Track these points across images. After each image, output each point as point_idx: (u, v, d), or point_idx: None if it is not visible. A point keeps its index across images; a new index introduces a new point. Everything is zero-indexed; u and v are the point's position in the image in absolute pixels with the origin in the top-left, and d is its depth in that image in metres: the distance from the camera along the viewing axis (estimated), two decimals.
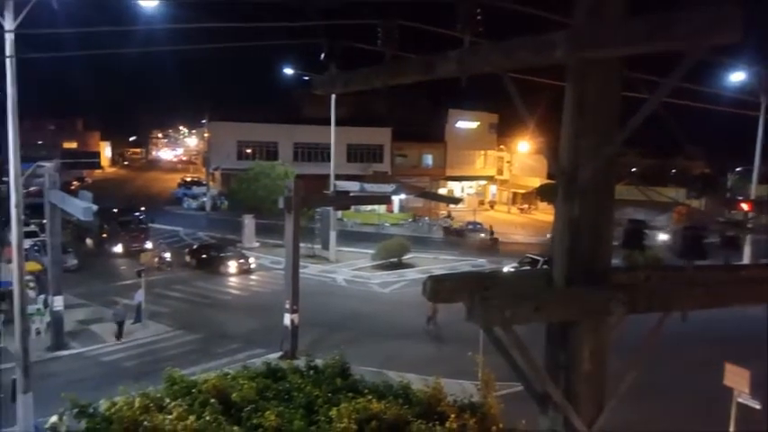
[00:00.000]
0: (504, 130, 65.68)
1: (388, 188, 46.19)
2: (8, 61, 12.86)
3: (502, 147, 68.58)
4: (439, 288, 4.74)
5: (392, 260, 36.05)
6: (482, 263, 37.11)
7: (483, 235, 45.07)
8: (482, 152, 67.54)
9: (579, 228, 4.88)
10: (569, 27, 4.68)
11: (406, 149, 62.88)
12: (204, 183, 62.93)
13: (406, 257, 36.81)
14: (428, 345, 22.51)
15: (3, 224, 38.37)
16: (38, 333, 22.14)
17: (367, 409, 10.74)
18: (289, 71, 45.23)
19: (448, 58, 5.42)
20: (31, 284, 24.33)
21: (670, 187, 53.63)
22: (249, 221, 41.19)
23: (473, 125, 65.41)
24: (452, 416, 10.52)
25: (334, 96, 35.81)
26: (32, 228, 32.58)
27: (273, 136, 58.79)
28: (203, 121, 66.24)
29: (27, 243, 23.80)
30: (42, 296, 24.05)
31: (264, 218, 41.90)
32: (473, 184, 67.71)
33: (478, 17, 5.61)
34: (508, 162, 68.89)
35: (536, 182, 61.39)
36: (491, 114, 65.48)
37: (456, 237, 46.73)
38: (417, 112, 62.22)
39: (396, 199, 50.67)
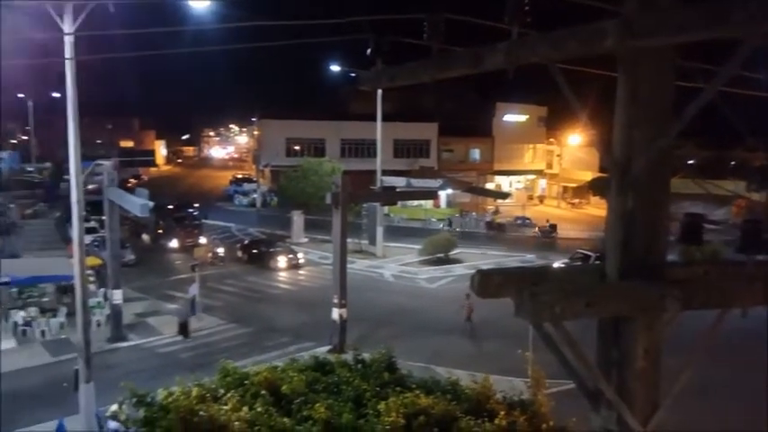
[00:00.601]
0: (553, 123, 64.36)
1: (434, 183, 45.94)
2: (68, 63, 13.40)
3: (551, 140, 67.24)
4: (487, 283, 4.69)
5: (439, 255, 35.93)
6: (531, 258, 36.56)
7: (536, 229, 44.01)
8: (531, 146, 66.41)
9: (633, 222, 4.75)
10: (620, 16, 4.55)
11: (453, 144, 62.44)
12: (254, 180, 64.21)
13: (453, 253, 36.61)
14: (476, 341, 22.35)
15: (65, 221, 40.20)
16: (98, 325, 23.08)
17: (415, 404, 10.76)
18: (336, 68, 45.56)
19: (495, 50, 5.35)
20: (92, 279, 25.38)
21: (729, 180, 51.41)
22: (298, 217, 41.80)
23: (521, 118, 64.39)
24: (502, 413, 10.42)
25: (380, 92, 35.85)
26: (92, 224, 33.97)
27: (321, 132, 59.36)
28: (253, 120, 67.51)
29: (87, 239, 24.82)
30: (102, 290, 25.09)
31: (313, 214, 42.43)
32: (521, 178, 66.70)
33: (526, 7, 5.52)
34: (558, 155, 67.50)
35: (588, 175, 59.96)
36: (540, 107, 64.28)
37: (498, 231, 46.12)
38: (464, 107, 61.72)
39: (442, 194, 50.43)
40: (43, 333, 22.34)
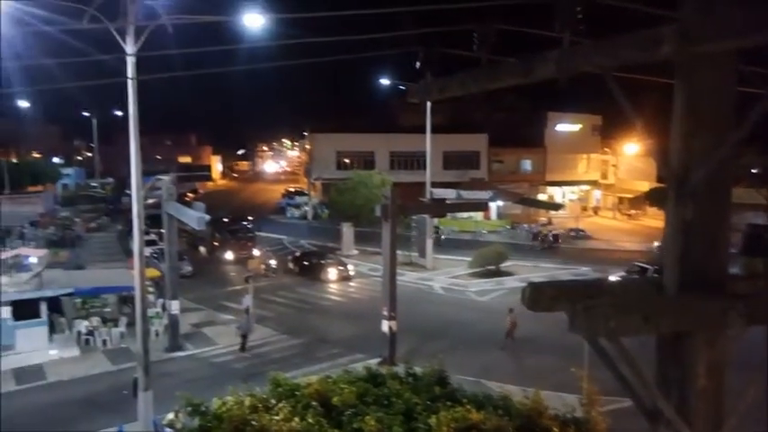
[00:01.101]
0: (608, 132, 62.78)
1: (484, 195, 45.54)
2: (130, 83, 13.99)
3: (606, 149, 65.59)
4: (539, 296, 4.60)
5: (489, 268, 35.48)
6: (586, 271, 35.62)
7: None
8: (585, 156, 64.97)
9: (692, 233, 4.57)
10: (676, 21, 4.42)
11: (504, 155, 61.76)
12: (306, 193, 65.21)
13: (505, 265, 36.08)
14: (528, 355, 21.88)
15: (126, 234, 41.80)
16: (156, 335, 23.80)
17: (466, 419, 10.62)
18: (385, 81, 45.88)
19: (546, 59, 5.29)
20: (151, 290, 26.24)
21: None
22: (348, 230, 42.14)
23: (574, 128, 63.14)
24: (555, 430, 10.17)
25: (429, 104, 35.88)
26: (152, 237, 35.18)
27: (370, 145, 59.83)
28: (305, 134, 68.74)
29: (147, 251, 25.70)
30: (161, 300, 25.90)
31: (362, 226, 42.70)
32: (575, 189, 65.28)
33: (578, 15, 5.43)
34: (613, 165, 65.74)
35: (644, 186, 58.05)
36: (594, 116, 62.88)
37: (544, 243, 45.13)
38: (515, 117, 61.08)
39: (493, 206, 49.88)
40: (105, 342, 23.20)
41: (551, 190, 62.94)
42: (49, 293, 22.74)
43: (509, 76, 5.95)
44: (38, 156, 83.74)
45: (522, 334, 23.28)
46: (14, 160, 70.94)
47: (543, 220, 54.21)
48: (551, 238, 45.02)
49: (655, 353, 4.85)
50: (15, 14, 11.83)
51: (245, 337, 22.81)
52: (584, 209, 62.98)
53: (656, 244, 40.01)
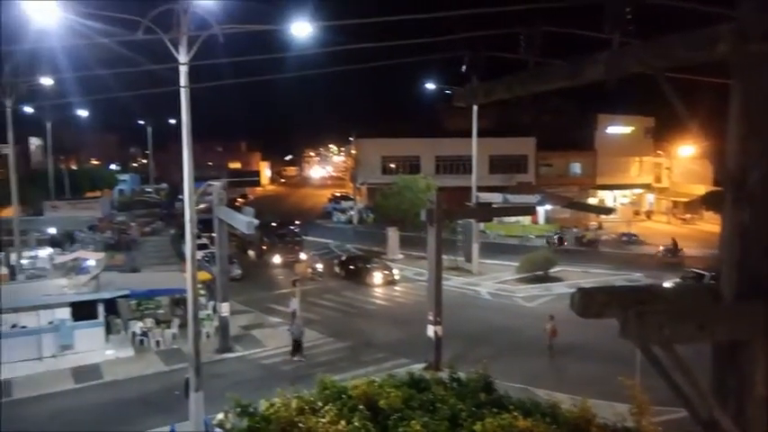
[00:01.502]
0: (661, 134, 60.87)
1: (532, 199, 44.89)
2: (182, 91, 14.42)
3: (659, 152, 63.59)
4: (589, 302, 4.51)
5: (537, 273, 34.90)
6: (638, 277, 34.62)
7: (660, 249, 41.11)
8: (637, 158, 63.20)
9: (750, 238, 4.40)
10: (733, 20, 4.27)
11: (552, 158, 60.76)
12: (352, 197, 65.74)
13: (553, 271, 35.43)
14: (576, 362, 21.40)
15: (179, 237, 43.06)
16: (207, 337, 24.37)
17: (513, 426, 10.50)
18: (430, 86, 45.83)
19: (595, 60, 5.21)
20: (203, 292, 26.92)
21: None
22: (393, 234, 42.23)
23: (626, 130, 61.53)
24: None
25: (475, 108, 35.65)
26: (204, 241, 36.13)
27: (416, 150, 59.89)
28: (351, 139, 69.39)
29: (199, 255, 26.40)
30: (212, 303, 26.54)
31: (408, 230, 42.70)
32: (627, 192, 63.56)
33: (628, 15, 5.32)
34: (667, 168, 63.66)
35: (700, 189, 56.02)
36: (646, 118, 61.13)
37: (588, 248, 44.05)
38: (564, 120, 60.02)
39: (541, 210, 49.06)
40: (158, 343, 23.89)
41: (602, 194, 61.48)
42: (106, 295, 23.57)
43: (557, 79, 5.87)
44: (96, 163, 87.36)
45: (570, 341, 22.81)
46: (74, 167, 74.18)
47: (594, 224, 53.01)
48: (556, 241, 44.77)
49: (710, 361, 4.68)
50: (75, 27, 12.38)
51: (297, 342, 22.72)
52: (637, 213, 61.23)
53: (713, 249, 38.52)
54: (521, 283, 34.00)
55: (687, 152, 58.49)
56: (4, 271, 32.67)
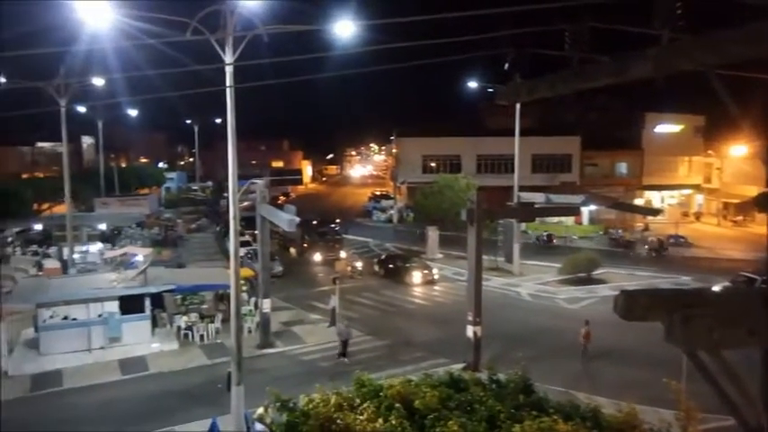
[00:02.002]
0: (712, 133, 58.85)
1: (576, 199, 43.99)
2: (228, 91, 14.70)
3: (710, 152, 61.51)
4: (632, 304, 4.40)
5: (580, 275, 34.23)
6: (686, 281, 33.57)
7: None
8: (686, 158, 61.31)
9: None
10: None
11: (598, 158, 59.50)
12: (392, 196, 65.83)
13: (597, 272, 34.69)
14: (621, 366, 20.89)
15: (223, 234, 43.97)
16: (249, 332, 24.79)
17: (553, 430, 10.34)
18: (472, 84, 45.46)
19: (644, 57, 5.07)
20: (245, 288, 27.40)
21: None
22: (433, 233, 42.10)
23: (675, 129, 59.73)
24: None
25: (518, 106, 35.19)
26: (247, 238, 36.77)
27: (457, 149, 59.60)
28: (391, 138, 69.49)
29: (242, 251, 26.84)
30: (253, 299, 26.99)
31: (448, 230, 42.50)
32: (675, 193, 61.73)
33: (678, 11, 5.16)
34: (718, 168, 61.48)
35: (752, 190, 53.90)
36: (696, 116, 59.21)
37: (626, 249, 42.87)
38: (610, 118, 58.71)
39: (585, 210, 48.09)
40: (202, 337, 24.44)
41: (649, 194, 59.90)
42: (152, 290, 24.19)
43: (602, 76, 5.75)
44: (145, 161, 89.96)
45: (613, 344, 22.33)
46: (124, 165, 76.54)
47: (640, 225, 51.70)
48: (545, 239, 44.60)
49: (759, 367, 4.50)
50: (125, 29, 12.76)
51: (345, 343, 22.49)
52: (686, 214, 59.38)
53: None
54: (563, 285, 33.43)
55: (739, 152, 56.37)
56: (57, 265, 34.03)
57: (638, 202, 56.99)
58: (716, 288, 26.16)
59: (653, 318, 4.26)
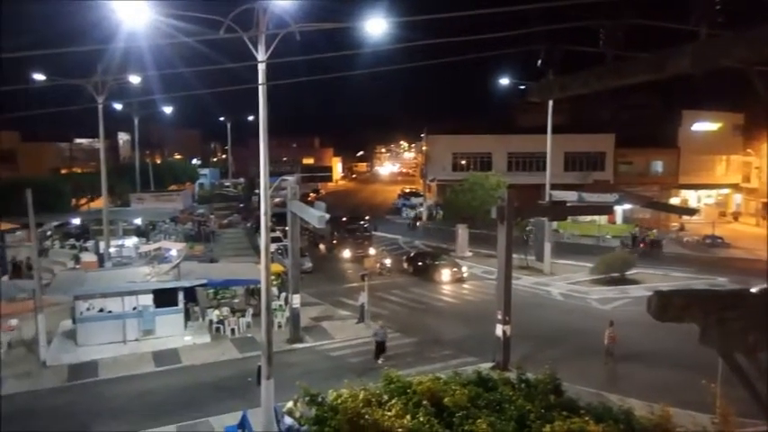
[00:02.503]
0: (751, 132, 57.19)
1: (609, 198, 43.26)
2: (260, 88, 14.86)
3: (749, 150, 59.81)
4: (666, 305, 4.32)
5: (613, 275, 33.66)
6: (723, 282, 32.74)
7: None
8: (723, 157, 59.73)
9: None
10: None
11: (632, 156, 58.38)
12: (421, 194, 65.71)
13: (630, 273, 34.06)
14: (654, 369, 20.49)
15: (254, 230, 44.51)
16: (279, 327, 25.07)
17: (583, 431, 10.21)
18: (504, 81, 45.04)
19: (680, 53, 4.96)
20: (276, 283, 27.70)
21: None
22: (462, 231, 41.91)
23: (712, 127, 58.22)
24: None
25: (551, 103, 34.74)
26: (277, 234, 37.15)
27: (487, 147, 59.19)
28: (421, 136, 69.35)
29: (272, 247, 27.11)
30: (283, 294, 27.28)
31: (477, 228, 42.26)
32: (712, 193, 60.21)
33: (717, 6, 5.03)
34: (757, 168, 59.73)
35: None
36: (735, 114, 57.63)
37: (650, 249, 41.90)
38: (645, 116, 57.57)
39: (618, 209, 47.26)
40: (233, 331, 24.80)
41: (685, 193, 58.58)
42: (186, 284, 24.63)
43: (637, 73, 5.64)
44: (179, 157, 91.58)
45: (646, 346, 21.94)
46: (159, 161, 78.05)
47: (675, 225, 50.59)
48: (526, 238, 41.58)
49: None
50: (161, 27, 13.01)
51: (381, 344, 22.01)
52: (723, 214, 57.87)
53: None
54: (595, 285, 32.93)
55: None
56: (94, 258, 34.92)
57: (674, 201, 55.80)
58: (753, 289, 25.44)
59: (688, 319, 4.18)
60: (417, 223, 56.06)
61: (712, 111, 56.95)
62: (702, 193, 59.62)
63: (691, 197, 58.95)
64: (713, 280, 33.51)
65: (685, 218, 49.19)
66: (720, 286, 31.74)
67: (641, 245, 42.58)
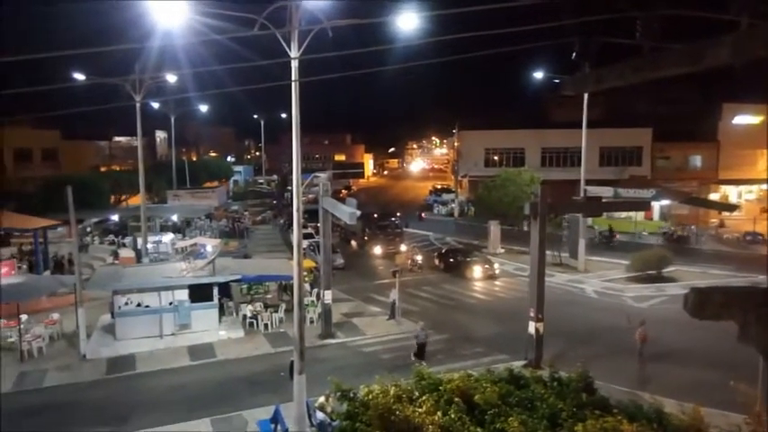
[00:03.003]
0: None
1: (646, 193, 42.32)
2: (293, 85, 14.97)
3: None
4: (704, 302, 4.20)
5: (650, 273, 32.97)
6: (763, 280, 31.73)
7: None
8: (765, 151, 57.85)
9: None
10: None
11: (670, 151, 57.02)
12: (453, 190, 65.42)
13: (667, 270, 33.31)
14: (690, 368, 20.00)
15: (287, 227, 44.97)
16: (311, 322, 25.29)
17: (616, 430, 10.05)
18: (537, 75, 44.46)
19: (720, 44, 4.82)
20: (308, 279, 27.94)
21: None
22: (494, 227, 41.57)
23: (754, 120, 56.42)
24: None
25: (586, 97, 34.14)
26: (309, 230, 37.47)
27: (520, 142, 58.56)
28: (453, 131, 69.01)
29: (305, 243, 27.36)
30: (315, 290, 27.50)
31: (510, 224, 41.86)
32: (753, 188, 58.36)
33: None
34: None
35: None
36: None
37: (677, 244, 40.83)
38: (684, 110, 56.10)
39: (656, 205, 46.23)
40: (266, 326, 25.11)
41: (725, 189, 56.94)
42: (220, 279, 25.06)
43: (675, 65, 5.50)
44: (214, 155, 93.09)
45: (683, 345, 21.45)
46: (194, 158, 79.45)
47: (714, 221, 49.25)
48: (681, 239, 42.36)
49: None
50: (196, 26, 13.22)
51: (422, 345, 21.39)
52: (765, 210, 56.08)
53: None
54: (631, 283, 32.31)
55: None
56: (131, 254, 35.78)
57: (713, 196, 54.27)
58: None
59: (726, 316, 4.06)
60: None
61: (754, 104, 55.18)
62: (743, 188, 57.84)
63: (731, 192, 57.27)
64: (753, 278, 32.50)
65: (725, 214, 47.80)
66: (760, 284, 30.76)
67: (669, 240, 41.85)
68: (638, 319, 21.84)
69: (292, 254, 16.97)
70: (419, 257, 36.91)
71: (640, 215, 46.60)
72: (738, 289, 4.78)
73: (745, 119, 56.28)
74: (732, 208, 44.60)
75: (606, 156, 55.64)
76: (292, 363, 16.17)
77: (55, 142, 54.84)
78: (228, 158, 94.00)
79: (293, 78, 14.72)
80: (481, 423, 11.39)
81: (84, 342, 22.39)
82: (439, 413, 11.30)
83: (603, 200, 37.24)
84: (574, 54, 7.36)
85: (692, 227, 45.72)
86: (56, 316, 25.00)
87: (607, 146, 54.79)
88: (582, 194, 36.25)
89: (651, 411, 11.49)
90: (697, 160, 57.58)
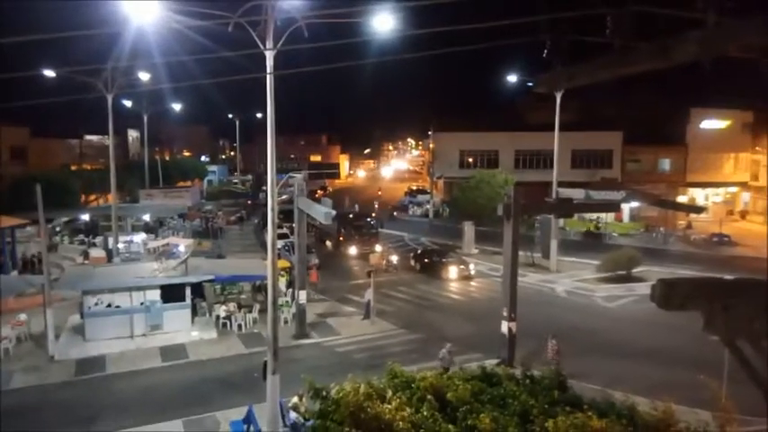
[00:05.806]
0: (761, 129, 56.76)
1: (617, 196, 43.01)
2: (268, 78, 14.77)
3: (758, 148, 59.32)
4: (671, 293, 4.28)
5: (620, 273, 33.51)
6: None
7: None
8: (732, 155, 59.35)
9: None
10: None
11: (640, 154, 58.16)
12: (428, 191, 65.68)
13: (637, 270, 33.90)
14: (659, 367, 20.33)
15: (262, 227, 44.62)
16: (285, 322, 25.11)
17: (586, 426, 10.18)
18: (511, 78, 44.85)
19: (687, 40, 4.91)
20: (283, 279, 27.73)
21: None
22: (469, 228, 41.82)
23: (721, 125, 57.85)
24: None
25: (558, 99, 34.57)
26: (284, 230, 37.22)
27: (494, 144, 59.09)
28: (428, 133, 69.31)
29: (279, 243, 27.16)
30: (290, 290, 27.31)
31: (484, 225, 42.17)
32: (720, 191, 59.85)
33: None
34: (765, 166, 59.30)
35: None
36: (745, 112, 57.21)
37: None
38: (653, 114, 57.21)
39: (625, 207, 47.06)
40: (240, 327, 24.85)
41: (693, 191, 58.29)
42: (193, 279, 24.73)
43: (644, 61, 5.60)
44: (188, 154, 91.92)
45: (652, 344, 21.82)
46: (168, 158, 78.36)
47: (682, 223, 50.30)
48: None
49: None
50: (170, 25, 13.01)
51: (446, 370, 18.04)
52: (731, 213, 57.52)
53: None
54: (601, 283, 32.81)
55: None
56: (102, 254, 35.13)
57: (682, 199, 55.48)
58: (758, 277, 25.24)
59: (692, 307, 4.14)
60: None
61: (721, 108, 56.59)
62: (710, 191, 59.30)
63: (698, 195, 58.66)
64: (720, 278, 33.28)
65: (693, 216, 48.90)
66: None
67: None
68: (550, 332, 20.90)
69: (266, 254, 16.81)
70: (394, 258, 36.93)
71: (611, 217, 47.38)
72: (704, 280, 4.88)
73: (713, 123, 57.67)
74: (699, 210, 45.54)
75: (578, 158, 56.43)
76: (266, 363, 16.03)
77: (24, 140, 53.57)
78: (203, 158, 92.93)
79: (268, 71, 14.56)
80: (453, 420, 11.44)
81: (52, 343, 21.89)
82: (410, 410, 11.32)
83: (575, 201, 37.72)
84: (545, 52, 7.45)
85: (661, 229, 46.64)
86: (23, 317, 24.37)
87: (579, 149, 55.58)
88: (554, 196, 36.70)
89: (623, 408, 11.66)
90: (666, 163, 58.81)
